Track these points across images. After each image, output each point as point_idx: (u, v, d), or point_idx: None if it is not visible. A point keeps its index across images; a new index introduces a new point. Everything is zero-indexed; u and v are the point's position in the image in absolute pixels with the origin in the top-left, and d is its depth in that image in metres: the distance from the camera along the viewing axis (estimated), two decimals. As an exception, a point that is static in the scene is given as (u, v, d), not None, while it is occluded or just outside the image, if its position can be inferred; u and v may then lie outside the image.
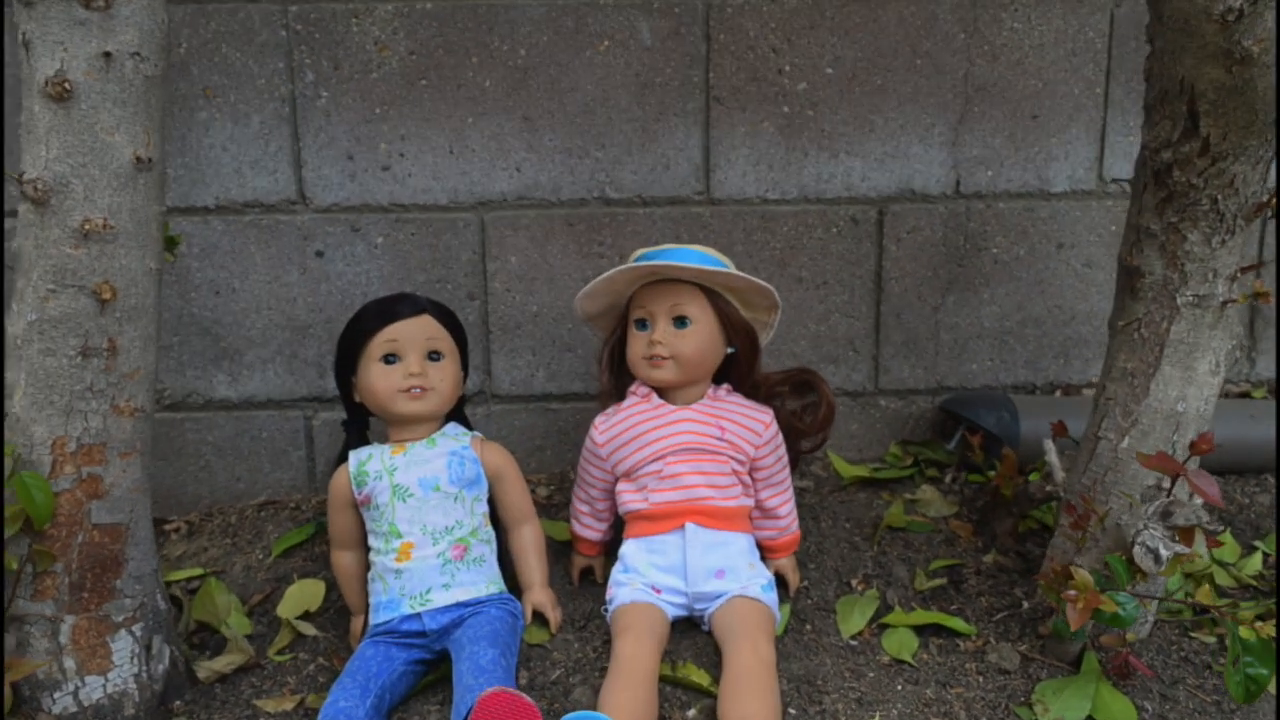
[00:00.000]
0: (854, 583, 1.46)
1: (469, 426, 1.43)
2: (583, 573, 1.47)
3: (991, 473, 1.62)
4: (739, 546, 1.31)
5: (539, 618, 1.36)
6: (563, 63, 1.67)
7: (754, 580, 1.29)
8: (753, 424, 1.35)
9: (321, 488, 1.76)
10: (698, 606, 1.30)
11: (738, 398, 1.39)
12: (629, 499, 1.34)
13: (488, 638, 1.20)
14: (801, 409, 1.41)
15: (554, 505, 1.69)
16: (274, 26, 1.65)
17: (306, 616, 1.46)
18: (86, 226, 1.25)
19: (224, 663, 1.36)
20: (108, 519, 1.29)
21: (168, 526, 1.73)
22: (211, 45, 1.65)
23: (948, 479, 1.74)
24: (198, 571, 1.58)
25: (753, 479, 1.37)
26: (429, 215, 1.69)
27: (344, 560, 1.37)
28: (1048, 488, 1.54)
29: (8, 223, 1.63)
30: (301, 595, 1.50)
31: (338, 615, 1.44)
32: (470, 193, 1.69)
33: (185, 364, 1.72)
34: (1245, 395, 1.82)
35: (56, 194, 1.25)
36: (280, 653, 1.40)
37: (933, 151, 1.72)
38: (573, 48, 1.66)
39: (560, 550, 1.56)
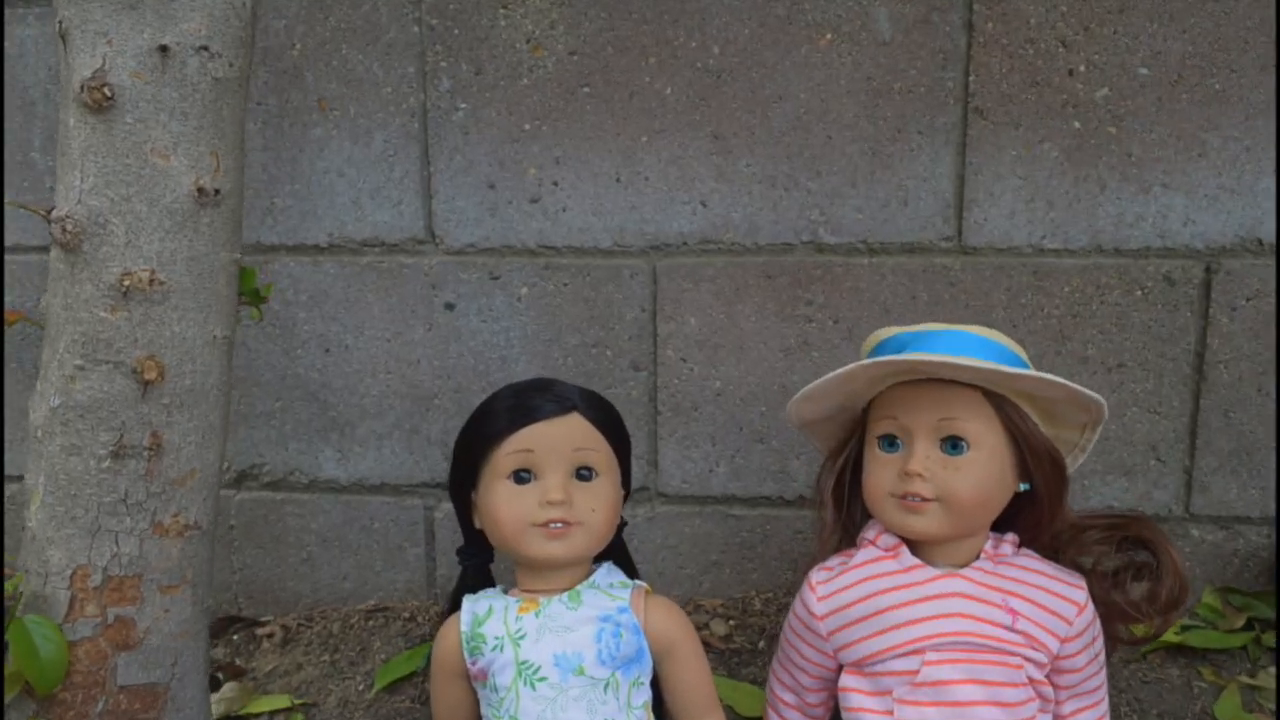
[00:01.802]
0: None
1: (631, 567, 1.00)
2: None
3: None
4: (1038, 803, 0.83)
5: None
6: (768, 64, 1.23)
7: None
8: (1060, 604, 0.88)
9: (443, 593, 1.39)
10: None
11: (1033, 559, 0.91)
12: (862, 706, 0.89)
13: None
14: (1125, 574, 0.91)
15: (735, 652, 1.26)
16: (404, 20, 1.28)
17: (404, 800, 1.07)
18: (126, 281, 0.90)
19: None
20: (140, 678, 0.93)
21: (260, 631, 1.40)
22: (330, 46, 1.29)
23: (1300, 653, 1.19)
24: (284, 703, 1.25)
25: (1053, 684, 0.88)
26: (586, 261, 1.29)
27: (452, 749, 0.96)
28: None
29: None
30: None
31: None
32: (640, 233, 1.27)
33: (288, 435, 1.38)
34: None
35: (90, 237, 0.91)
36: None
37: (1294, 185, 1.18)
38: (782, 44, 1.22)
39: None
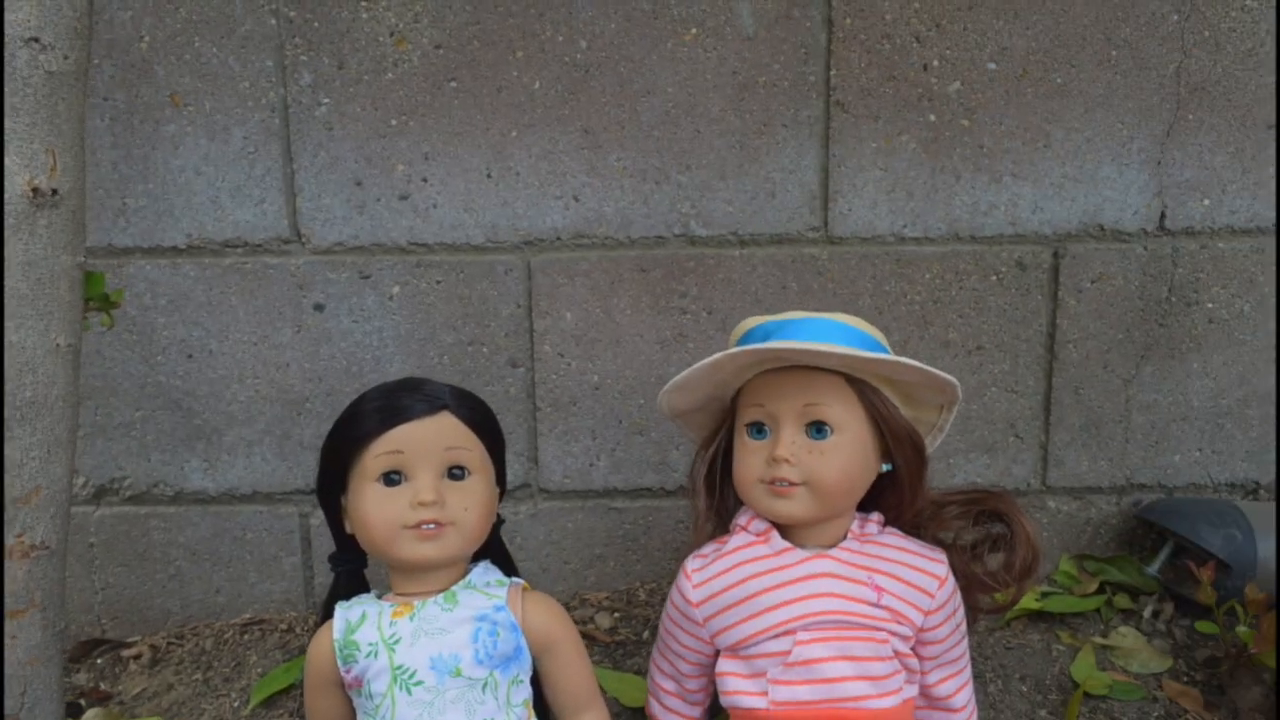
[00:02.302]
0: None
1: (509, 565, 0.99)
2: None
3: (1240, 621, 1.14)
4: (906, 771, 0.85)
5: None
6: (635, 58, 1.23)
7: (930, 825, 0.84)
8: (921, 578, 0.90)
9: (321, 603, 1.34)
10: None
11: (896, 537, 0.94)
12: (739, 689, 0.90)
13: None
14: (982, 546, 0.95)
15: (620, 644, 1.26)
16: (260, 13, 1.23)
17: (283, 817, 1.04)
18: (-49, 290, 0.83)
19: None
20: (-16, 710, 0.87)
21: (126, 653, 1.34)
22: (181, 38, 1.24)
23: (1147, 613, 1.26)
24: (153, 727, 1.17)
25: (918, 655, 0.91)
26: (459, 258, 1.27)
27: (327, 759, 0.94)
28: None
29: None
30: None
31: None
32: (513, 229, 1.26)
33: (150, 446, 1.32)
34: None
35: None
36: None
37: (1130, 173, 1.25)
38: (649, 38, 1.23)
39: None
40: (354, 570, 0.98)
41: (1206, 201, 1.27)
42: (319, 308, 1.29)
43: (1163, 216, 1.27)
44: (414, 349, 1.29)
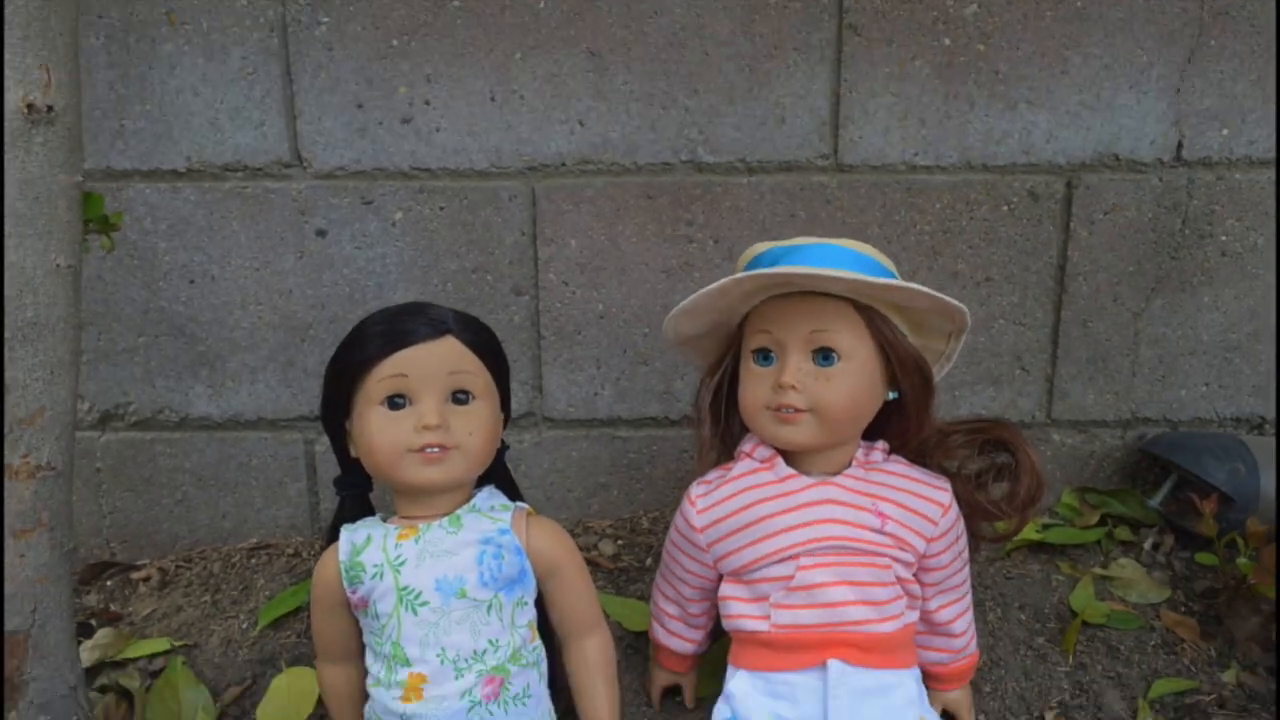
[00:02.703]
0: (1050, 718, 1.03)
1: (513, 490, 0.99)
2: (667, 690, 1.05)
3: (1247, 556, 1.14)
4: (905, 693, 0.88)
5: (606, 766, 0.93)
6: (644, -24, 1.20)
7: (928, 746, 0.85)
8: (925, 506, 0.91)
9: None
10: (841, 778, 0.86)
11: (901, 465, 0.94)
12: (741, 613, 0.91)
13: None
14: (986, 475, 0.95)
15: (623, 570, 1.27)
16: (257, -74, 1.19)
17: (293, 732, 1.06)
18: (-53, 207, 0.82)
19: (169, 816, 0.96)
20: (-3, 626, 0.88)
21: (135, 575, 1.35)
22: (176, -48, 1.20)
23: (1147, 545, 1.27)
24: (163, 646, 1.21)
25: (920, 581, 0.92)
26: (463, 184, 1.25)
27: (334, 678, 0.97)
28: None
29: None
30: (289, 695, 1.12)
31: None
32: (517, 154, 1.24)
33: (154, 372, 1.32)
34: None
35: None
36: (252, 790, 1.00)
37: (1148, 101, 1.23)
38: (658, -45, 1.19)
39: (633, 645, 1.14)
40: (359, 494, 0.99)
41: (1225, 131, 1.24)
42: (321, 233, 1.28)
43: (1179, 146, 1.25)
44: (417, 276, 1.28)
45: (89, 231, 1.00)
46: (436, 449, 0.88)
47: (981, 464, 0.96)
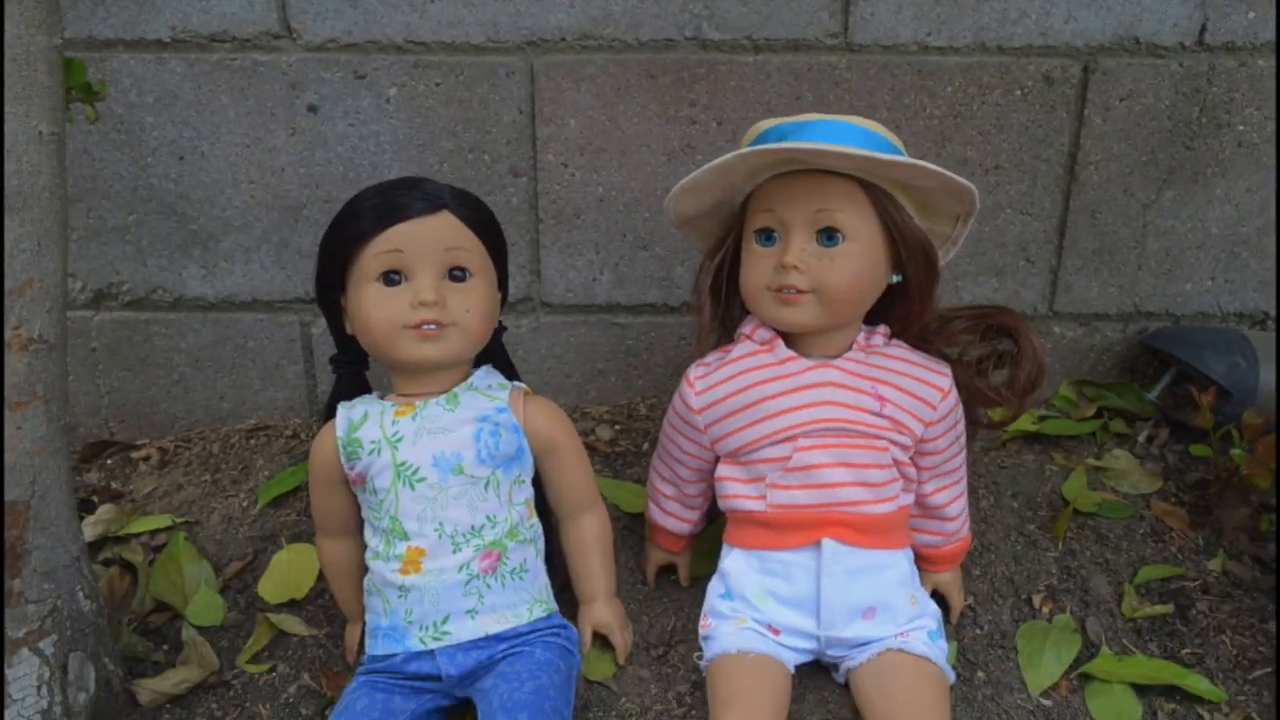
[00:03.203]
0: (1036, 600, 1.04)
1: (510, 369, 0.98)
2: (662, 570, 1.06)
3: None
4: (897, 572, 0.89)
5: (600, 640, 0.97)
6: None
7: (917, 623, 0.89)
8: (925, 390, 0.90)
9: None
10: (832, 653, 0.90)
11: (902, 349, 0.93)
12: (737, 493, 0.92)
13: (530, 701, 0.80)
14: (988, 361, 0.95)
15: (620, 456, 1.28)
16: None
17: (294, 606, 1.09)
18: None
19: (174, 681, 0.99)
20: (-4, 496, 0.88)
21: (135, 454, 1.36)
22: None
23: (1142, 437, 1.27)
24: (165, 522, 1.22)
25: (916, 465, 0.93)
26: (459, 59, 1.21)
27: (334, 552, 0.98)
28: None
29: None
30: (290, 570, 1.13)
31: (335, 603, 1.06)
32: (515, 27, 1.19)
33: (146, 251, 1.30)
34: None
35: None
36: (255, 659, 1.03)
37: (1173, -20, 1.18)
38: None
39: (629, 526, 1.15)
40: (355, 371, 0.98)
41: (1251, 15, 1.19)
42: (313, 109, 1.24)
43: (1203, 30, 1.20)
44: (412, 155, 1.25)
45: (72, 100, 0.97)
46: (433, 325, 0.87)
47: (983, 350, 0.96)
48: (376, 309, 0.87)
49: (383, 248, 0.87)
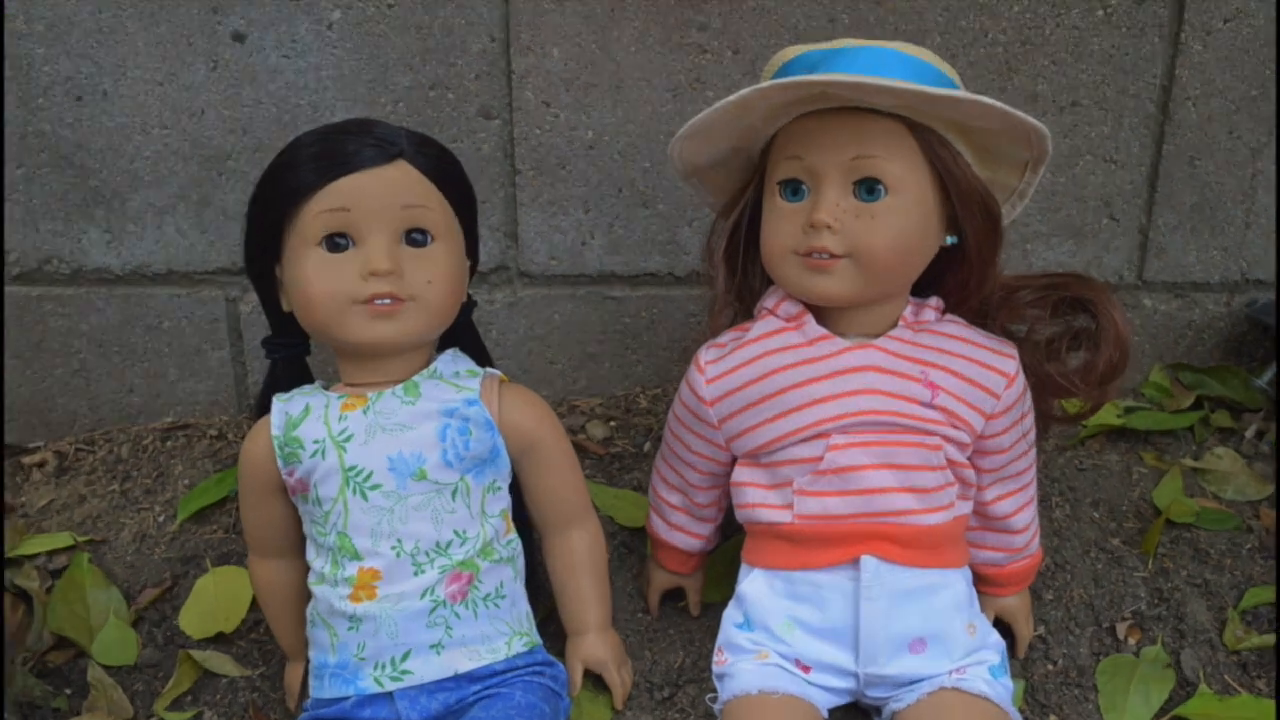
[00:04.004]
0: (1121, 629, 1.07)
1: (481, 354, 1.00)
2: (667, 595, 1.09)
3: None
4: (952, 595, 0.91)
5: (593, 679, 0.99)
6: None
7: (976, 657, 0.90)
8: (986, 375, 0.91)
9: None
10: (873, 694, 0.91)
11: (958, 326, 0.94)
12: (759, 501, 0.93)
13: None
14: (1061, 342, 0.96)
15: (616, 457, 1.30)
16: None
17: (222, 641, 1.11)
18: None
19: (77, 733, 1.00)
20: None
21: (28, 459, 1.38)
22: None
23: (1250, 432, 1.29)
24: (65, 541, 1.23)
25: (976, 467, 0.94)
26: (416, -26, 1.22)
27: (269, 576, 0.99)
28: None
29: None
30: (216, 598, 1.15)
31: (272, 637, 1.07)
32: (485, -65, 1.20)
33: (37, 212, 1.31)
34: None
35: None
36: (177, 704, 1.05)
37: (1290, -126, 1.18)
38: None
39: (627, 543, 1.17)
40: (293, 356, 0.99)
41: (1384, -86, 1.20)
42: (239, 38, 1.24)
43: (1325, -66, 1.21)
44: (360, 94, 1.26)
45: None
46: (388, 300, 0.87)
47: (1056, 328, 0.97)
48: (319, 280, 0.88)
49: (326, 205, 0.87)
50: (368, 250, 0.87)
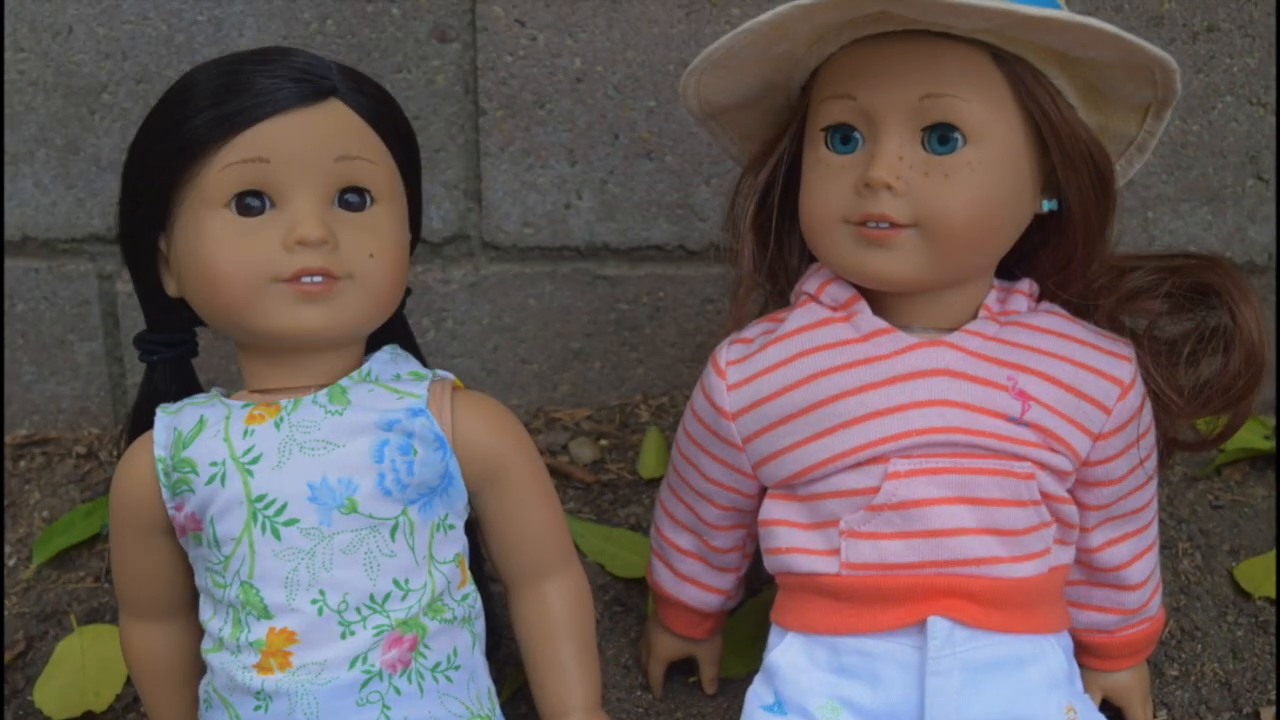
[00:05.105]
0: (1266, 716, 1.08)
1: (419, 355, 1.03)
2: (674, 666, 1.11)
3: None
4: (1046, 670, 0.91)
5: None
6: None
7: (1076, 752, 0.91)
8: (1094, 383, 0.92)
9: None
10: (942, 801, 0.92)
11: (1057, 318, 0.95)
12: (795, 545, 0.94)
13: None
14: (1189, 344, 0.96)
15: (608, 487, 1.33)
16: None
17: (90, 721, 1.12)
18: None
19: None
20: None
21: None
22: None
23: None
24: (-113, 595, 1.26)
25: (1079, 503, 0.95)
26: None
27: (148, 643, 1.00)
28: None
29: None
30: (84, 666, 1.17)
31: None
32: None
33: None
34: None
35: None
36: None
37: None
38: None
39: (621, 597, 1.20)
40: (180, 357, 1.00)
41: None
42: (118, -66, 1.26)
43: None
44: (278, 9, 1.28)
45: None
46: (319, 277, 0.88)
47: (1184, 324, 0.98)
48: (227, 251, 0.88)
49: (238, 155, 0.87)
50: (292, 213, 0.88)
